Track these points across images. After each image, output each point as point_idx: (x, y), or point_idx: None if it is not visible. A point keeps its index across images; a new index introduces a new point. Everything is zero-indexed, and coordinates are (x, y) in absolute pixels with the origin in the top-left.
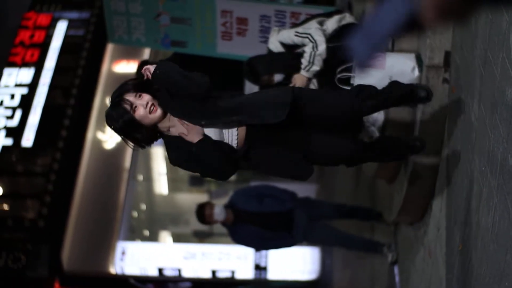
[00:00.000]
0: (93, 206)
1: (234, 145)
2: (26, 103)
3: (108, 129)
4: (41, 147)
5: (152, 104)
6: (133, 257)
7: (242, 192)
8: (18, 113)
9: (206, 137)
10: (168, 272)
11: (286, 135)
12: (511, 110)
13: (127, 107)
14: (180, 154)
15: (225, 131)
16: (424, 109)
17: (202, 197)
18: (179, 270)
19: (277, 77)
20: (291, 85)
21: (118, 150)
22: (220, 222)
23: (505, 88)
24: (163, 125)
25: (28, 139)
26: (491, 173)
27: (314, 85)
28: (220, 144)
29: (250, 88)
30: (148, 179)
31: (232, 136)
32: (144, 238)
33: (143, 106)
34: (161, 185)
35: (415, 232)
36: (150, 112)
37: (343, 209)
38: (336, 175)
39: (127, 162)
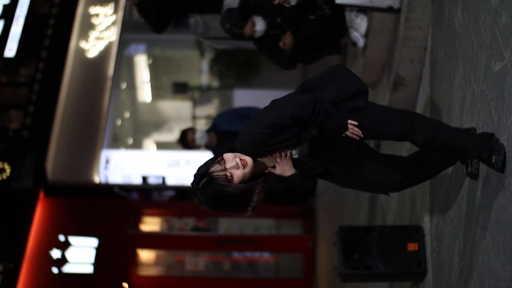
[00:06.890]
0: (77, 115)
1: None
2: (8, 13)
3: (91, 38)
4: (24, 57)
5: (240, 159)
6: (117, 166)
7: (224, 114)
8: (1, 24)
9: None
10: (152, 180)
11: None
12: (494, 16)
13: (224, 179)
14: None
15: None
16: (407, 15)
17: (185, 105)
18: (163, 178)
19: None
20: None
21: (101, 59)
22: (203, 146)
23: None
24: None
25: (11, 49)
26: (474, 80)
27: None
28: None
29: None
30: (132, 87)
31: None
32: (128, 146)
33: (235, 167)
34: (145, 93)
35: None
36: (244, 167)
37: None
38: None
39: (110, 70)
